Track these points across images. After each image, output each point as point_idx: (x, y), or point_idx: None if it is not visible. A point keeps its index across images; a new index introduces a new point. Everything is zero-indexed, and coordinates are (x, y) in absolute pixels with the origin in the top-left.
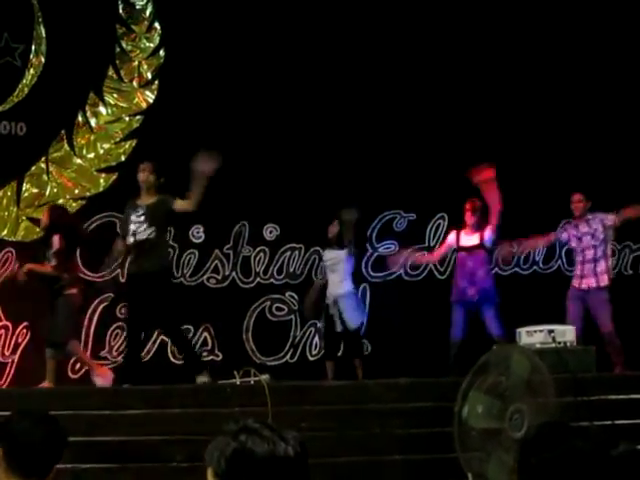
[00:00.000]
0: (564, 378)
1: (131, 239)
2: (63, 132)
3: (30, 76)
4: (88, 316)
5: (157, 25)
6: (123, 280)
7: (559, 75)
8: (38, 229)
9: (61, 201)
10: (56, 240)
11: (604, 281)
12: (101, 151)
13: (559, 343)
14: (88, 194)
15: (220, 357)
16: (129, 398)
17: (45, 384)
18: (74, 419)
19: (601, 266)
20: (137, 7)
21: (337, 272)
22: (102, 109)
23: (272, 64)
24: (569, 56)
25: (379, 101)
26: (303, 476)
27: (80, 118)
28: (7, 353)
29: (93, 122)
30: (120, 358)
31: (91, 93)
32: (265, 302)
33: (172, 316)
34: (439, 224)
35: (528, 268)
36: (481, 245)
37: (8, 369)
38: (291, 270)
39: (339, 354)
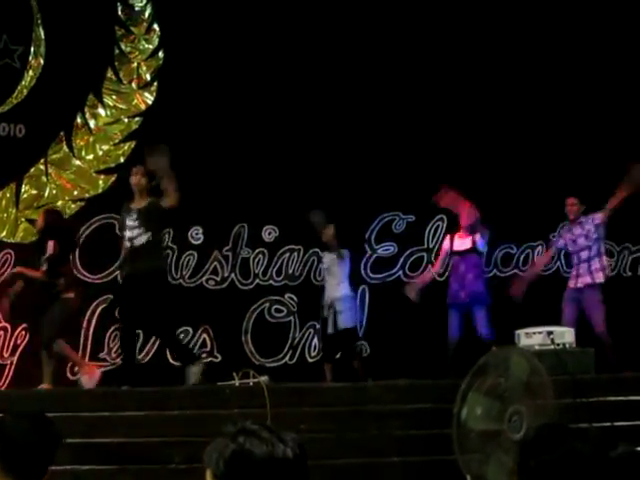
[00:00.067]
0: (563, 380)
1: (128, 244)
2: (62, 134)
3: (29, 78)
4: (87, 318)
5: (156, 27)
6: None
7: (555, 79)
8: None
9: (60, 203)
10: (51, 246)
11: (599, 278)
12: (100, 153)
13: (558, 345)
14: (87, 195)
15: (219, 359)
16: (128, 400)
17: (44, 385)
18: (73, 420)
19: (595, 264)
20: (136, 9)
21: (334, 275)
22: (101, 111)
23: (271, 66)
24: (564, 59)
25: (378, 103)
26: (302, 478)
27: (79, 120)
28: (6, 355)
29: (92, 124)
30: (119, 360)
31: (90, 95)
32: (264, 303)
33: (163, 318)
34: (438, 226)
35: (527, 269)
36: (473, 249)
37: (7, 370)
38: (290, 272)
39: (337, 356)
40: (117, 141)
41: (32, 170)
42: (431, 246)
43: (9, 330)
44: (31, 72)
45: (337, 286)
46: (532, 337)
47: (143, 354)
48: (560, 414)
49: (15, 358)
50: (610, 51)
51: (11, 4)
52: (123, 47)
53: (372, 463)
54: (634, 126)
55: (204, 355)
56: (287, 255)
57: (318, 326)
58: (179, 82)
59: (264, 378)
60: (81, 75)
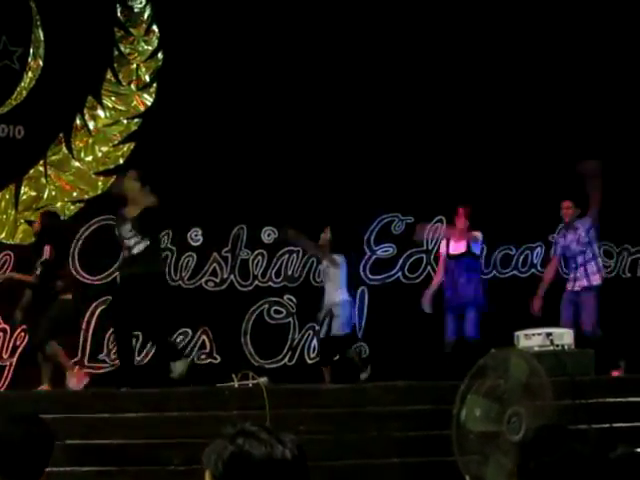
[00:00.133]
0: (562, 381)
1: (126, 252)
2: (61, 135)
3: (28, 79)
4: (86, 319)
5: (155, 28)
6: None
7: (555, 80)
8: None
9: (59, 204)
10: (47, 250)
11: (596, 281)
12: (99, 154)
13: (557, 346)
14: (86, 197)
15: (218, 360)
16: (127, 401)
17: (43, 387)
18: (72, 422)
19: (592, 267)
20: (135, 10)
21: (332, 280)
22: (100, 112)
23: (270, 67)
24: (562, 61)
25: (377, 105)
26: (301, 479)
27: (78, 121)
28: (5, 356)
29: (91, 125)
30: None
31: (89, 96)
32: (263, 305)
33: (157, 320)
34: (437, 227)
35: (526, 271)
36: (468, 252)
37: (6, 372)
38: (289, 273)
39: (335, 358)
40: (116, 142)
41: (31, 171)
42: (430, 247)
43: (8, 331)
44: (30, 73)
45: (335, 291)
46: (531, 338)
47: (142, 355)
48: (559, 415)
49: (14, 359)
50: (606, 56)
51: (10, 5)
52: (122, 48)
53: (371, 464)
54: (634, 126)
55: (203, 357)
56: (286, 256)
57: (317, 327)
58: (178, 83)
59: (263, 379)
60: (80, 76)
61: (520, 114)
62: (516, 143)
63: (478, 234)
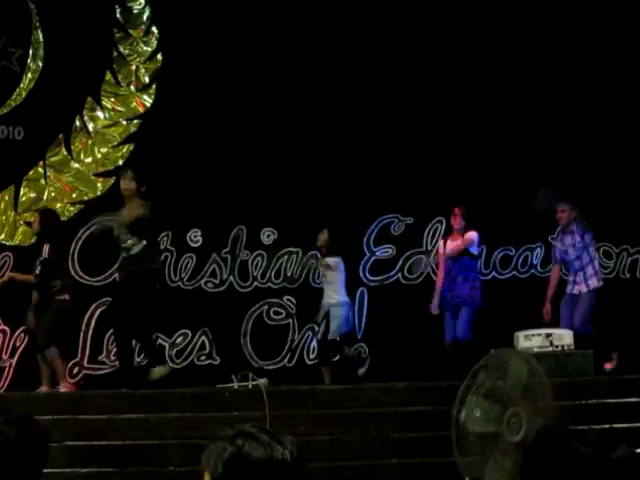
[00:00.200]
0: (562, 382)
1: (124, 254)
2: (61, 136)
3: (27, 80)
4: (85, 320)
5: (154, 29)
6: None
7: (555, 81)
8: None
9: (59, 205)
10: (46, 249)
11: (593, 284)
12: (99, 155)
13: (557, 347)
14: (86, 198)
15: (218, 361)
16: (127, 402)
17: (43, 388)
18: (72, 423)
19: (589, 271)
20: (134, 11)
21: (329, 282)
22: (100, 113)
23: (270, 69)
24: (560, 63)
25: (377, 106)
26: None
27: (78, 122)
28: (5, 357)
29: (91, 126)
30: (117, 363)
31: (89, 97)
32: (263, 306)
33: (145, 318)
34: (436, 228)
35: (526, 272)
36: (464, 251)
37: (6, 373)
38: (289, 274)
39: (334, 359)
40: (116, 144)
41: (31, 173)
42: (429, 248)
43: (8, 332)
44: (30, 75)
45: (332, 293)
46: (531, 339)
47: (142, 357)
48: (559, 416)
49: (14, 360)
50: (603, 55)
51: (9, 7)
52: (121, 50)
53: (371, 465)
54: (633, 127)
55: (202, 358)
56: (286, 257)
57: (317, 328)
58: (178, 85)
59: (263, 380)
60: (79, 78)
61: (520, 115)
62: (516, 144)
63: (472, 236)
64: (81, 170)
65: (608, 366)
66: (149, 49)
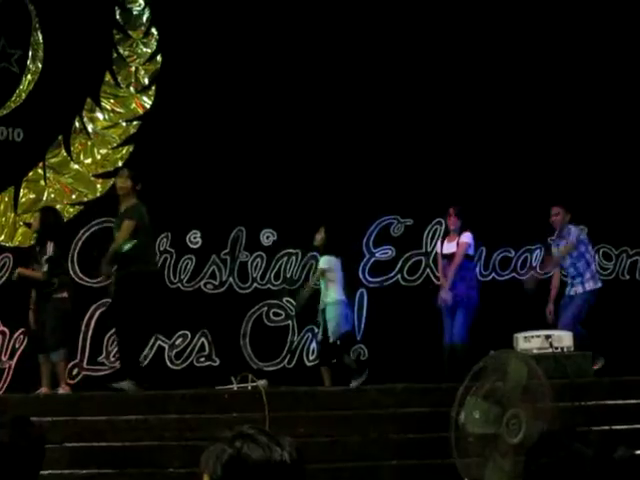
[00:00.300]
0: (561, 383)
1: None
2: (60, 138)
3: (27, 82)
4: (85, 321)
5: (154, 31)
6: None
7: (555, 82)
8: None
9: (58, 206)
10: (50, 247)
11: (590, 287)
12: (98, 156)
13: (556, 348)
14: (85, 199)
15: (217, 363)
16: (126, 404)
17: (43, 389)
18: (71, 424)
19: (586, 275)
20: (134, 13)
21: (326, 281)
22: (99, 115)
23: (269, 70)
24: (557, 66)
25: (376, 107)
26: None
27: (77, 124)
28: (4, 359)
29: (90, 128)
30: (117, 364)
31: (88, 99)
32: (262, 307)
33: (129, 317)
34: (436, 229)
35: (525, 273)
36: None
37: (5, 375)
38: (288, 275)
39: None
40: (115, 145)
41: (30, 174)
42: (429, 250)
43: (7, 334)
44: (29, 76)
45: (328, 292)
46: (531, 341)
47: (141, 358)
48: (558, 418)
49: (14, 362)
50: (604, 58)
51: (9, 8)
52: (121, 51)
53: (370, 467)
54: (632, 129)
55: (202, 359)
56: (285, 259)
57: (316, 330)
58: (177, 86)
59: (262, 382)
60: (79, 79)
61: (520, 117)
62: (515, 146)
63: (467, 239)
64: (81, 171)
65: (594, 367)
66: (149, 50)
